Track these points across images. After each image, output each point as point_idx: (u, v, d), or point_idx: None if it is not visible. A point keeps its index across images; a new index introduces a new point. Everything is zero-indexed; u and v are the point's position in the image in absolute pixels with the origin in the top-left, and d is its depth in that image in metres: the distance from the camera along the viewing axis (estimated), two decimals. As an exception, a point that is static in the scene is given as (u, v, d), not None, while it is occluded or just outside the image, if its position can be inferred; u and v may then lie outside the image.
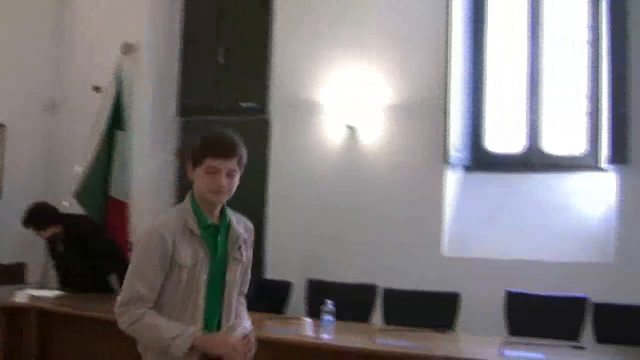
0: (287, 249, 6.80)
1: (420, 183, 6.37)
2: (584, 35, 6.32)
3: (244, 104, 7.35)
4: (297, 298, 5.96)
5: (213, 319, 3.00)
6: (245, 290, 3.23)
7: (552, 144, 6.37)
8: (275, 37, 7.09)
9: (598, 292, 5.20)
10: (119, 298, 2.90)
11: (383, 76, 6.54)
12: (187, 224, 2.93)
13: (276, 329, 4.86)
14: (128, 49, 7.43)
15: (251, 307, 4.72)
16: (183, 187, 7.51)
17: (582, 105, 6.30)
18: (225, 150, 2.91)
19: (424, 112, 6.40)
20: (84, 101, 7.61)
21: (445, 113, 6.29)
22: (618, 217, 5.86)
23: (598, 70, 6.19)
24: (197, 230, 2.93)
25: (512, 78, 6.56)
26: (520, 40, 6.52)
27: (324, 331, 4.62)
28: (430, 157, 6.34)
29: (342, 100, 6.60)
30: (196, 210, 2.96)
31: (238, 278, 3.09)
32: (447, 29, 6.34)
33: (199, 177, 2.93)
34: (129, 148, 7.39)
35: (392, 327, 5.15)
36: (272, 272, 6.75)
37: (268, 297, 5.92)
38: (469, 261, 6.11)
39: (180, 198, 3.24)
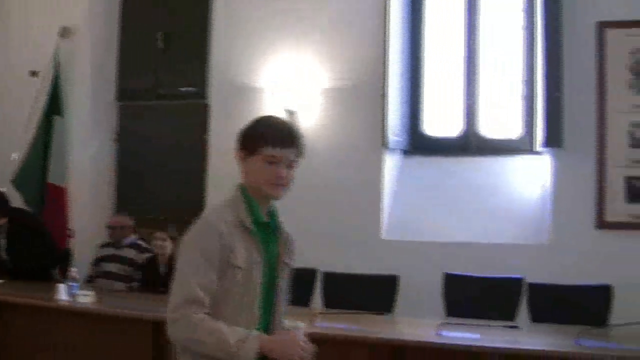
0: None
1: (359, 167, 6.42)
2: (520, 20, 6.44)
3: (183, 89, 7.31)
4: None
5: (264, 329, 2.64)
6: (288, 299, 2.85)
7: (489, 128, 6.49)
8: (214, 21, 7.06)
9: (533, 273, 5.34)
10: (171, 302, 2.52)
11: (322, 60, 6.57)
12: (240, 220, 2.59)
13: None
14: (66, 32, 7.33)
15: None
16: (122, 171, 7.50)
17: (518, 90, 6.42)
18: (288, 138, 2.63)
19: (362, 96, 6.45)
20: (21, 86, 7.49)
21: (383, 97, 6.34)
22: (552, 199, 6.00)
23: (533, 54, 6.32)
24: (251, 226, 2.60)
25: (449, 62, 6.64)
26: (457, 25, 6.61)
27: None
28: (368, 141, 6.39)
29: (282, 84, 6.62)
30: (250, 203, 2.64)
31: (286, 285, 2.79)
32: (385, 14, 6.37)
33: (255, 167, 2.61)
34: (66, 133, 7.30)
35: (332, 311, 5.21)
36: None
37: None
38: (407, 244, 6.19)
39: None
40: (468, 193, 6.29)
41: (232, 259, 2.54)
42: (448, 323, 4.65)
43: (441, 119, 6.66)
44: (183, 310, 2.48)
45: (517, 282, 5.22)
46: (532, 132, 6.29)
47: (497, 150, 6.39)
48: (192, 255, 2.54)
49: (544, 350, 4.17)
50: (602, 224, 5.89)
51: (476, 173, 6.33)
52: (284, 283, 2.75)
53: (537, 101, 6.22)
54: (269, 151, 2.58)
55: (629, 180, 5.88)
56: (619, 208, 5.88)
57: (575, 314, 4.90)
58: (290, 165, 2.64)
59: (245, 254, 2.57)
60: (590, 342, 4.13)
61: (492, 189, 6.25)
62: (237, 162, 2.66)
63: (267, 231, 2.68)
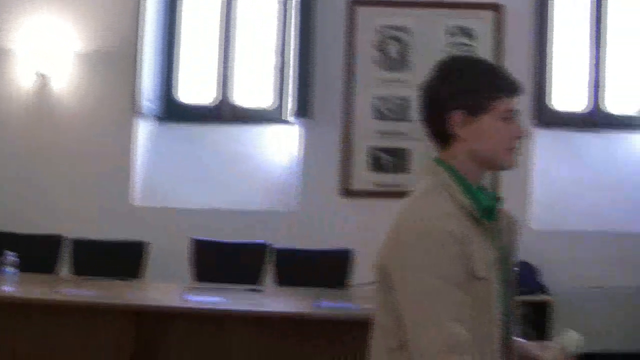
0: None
1: (112, 132, 6.30)
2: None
3: None
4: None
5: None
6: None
7: (242, 97, 6.58)
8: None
9: (283, 239, 5.53)
10: (424, 351, 1.78)
11: (75, 23, 6.36)
12: (465, 209, 1.91)
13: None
14: None
15: None
16: None
17: (271, 61, 6.57)
18: (517, 82, 2.01)
19: (115, 61, 6.31)
20: None
21: (136, 63, 6.26)
22: (300, 168, 6.23)
23: (286, 27, 6.49)
24: (480, 217, 1.93)
25: (205, 30, 6.65)
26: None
27: (6, 283, 4.50)
28: (121, 107, 6.27)
29: (33, 46, 6.35)
30: (465, 185, 1.95)
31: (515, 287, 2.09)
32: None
33: (487, 129, 1.95)
34: None
35: (78, 277, 5.14)
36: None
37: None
38: (159, 211, 6.18)
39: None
40: (221, 161, 6.37)
41: (473, 267, 1.85)
42: (194, 287, 4.73)
43: (196, 87, 6.66)
44: None
45: (262, 247, 5.39)
46: (283, 103, 6.47)
47: (250, 119, 6.51)
48: (428, 281, 1.79)
49: (283, 312, 4.38)
50: (347, 192, 6.20)
51: (229, 141, 6.42)
52: (516, 286, 2.06)
53: (289, 73, 6.40)
54: (504, 104, 1.95)
55: (373, 150, 6.22)
56: (363, 177, 6.22)
57: (318, 277, 5.15)
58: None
59: (482, 257, 1.88)
60: (327, 304, 4.39)
61: (244, 157, 6.37)
62: (446, 130, 1.97)
63: (493, 219, 1.99)
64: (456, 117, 1.93)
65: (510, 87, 1.96)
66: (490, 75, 1.97)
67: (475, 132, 1.93)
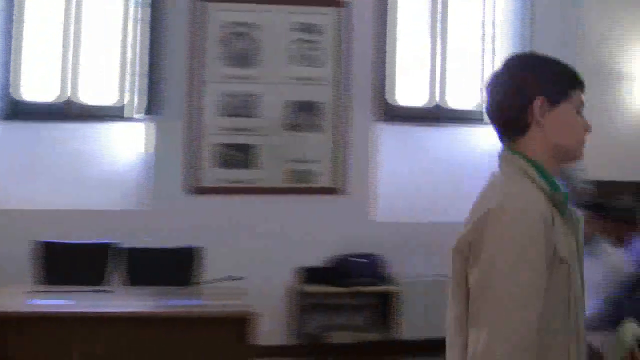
0: None
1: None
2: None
3: None
4: None
5: None
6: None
7: (87, 94, 6.46)
8: None
9: (132, 238, 5.48)
10: (488, 347, 1.74)
11: None
12: (548, 195, 1.89)
13: None
14: None
15: None
16: None
17: (116, 58, 6.49)
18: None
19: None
20: None
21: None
22: (149, 165, 6.20)
23: (131, 22, 6.43)
24: (563, 202, 1.93)
25: (49, 26, 6.47)
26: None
27: None
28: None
29: None
30: (545, 174, 1.93)
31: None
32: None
33: (565, 120, 1.96)
34: None
35: None
36: None
37: None
38: (1, 212, 5.99)
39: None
40: (67, 160, 6.23)
41: (559, 250, 1.84)
42: (37, 291, 4.62)
43: (40, 85, 6.47)
44: (525, 354, 1.73)
45: (107, 246, 5.30)
46: (127, 99, 6.40)
47: (95, 117, 6.40)
48: (515, 262, 1.77)
49: (132, 311, 4.37)
50: (196, 189, 6.22)
51: (75, 139, 6.29)
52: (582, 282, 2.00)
53: (135, 70, 6.35)
54: (579, 95, 1.98)
55: (219, 147, 6.27)
56: (210, 174, 6.27)
57: (169, 275, 5.15)
58: None
59: (565, 241, 1.88)
60: (176, 301, 4.41)
61: (89, 156, 6.27)
62: (525, 118, 1.95)
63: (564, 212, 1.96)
64: (538, 103, 1.93)
65: (582, 82, 1.99)
66: (568, 67, 1.99)
67: (555, 120, 1.94)
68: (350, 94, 6.46)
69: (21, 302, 4.33)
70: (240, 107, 6.34)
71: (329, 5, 6.48)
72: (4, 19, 6.36)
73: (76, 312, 4.21)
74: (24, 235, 5.45)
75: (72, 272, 5.10)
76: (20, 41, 6.42)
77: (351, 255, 6.15)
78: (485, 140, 6.74)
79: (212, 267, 5.23)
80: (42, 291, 4.64)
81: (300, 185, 6.36)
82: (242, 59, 6.37)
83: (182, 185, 6.20)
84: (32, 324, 4.13)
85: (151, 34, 6.25)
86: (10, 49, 6.39)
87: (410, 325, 6.08)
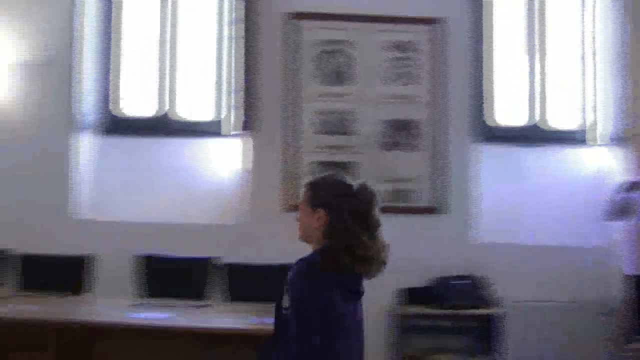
0: None
1: (51, 145, 6.15)
2: (215, 6, 6.56)
3: None
4: None
5: None
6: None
7: (185, 110, 6.50)
8: None
9: (229, 253, 5.44)
10: None
11: (8, 34, 6.21)
12: None
13: None
14: None
15: None
16: None
17: (213, 74, 6.51)
18: None
19: (53, 72, 6.19)
20: None
21: (74, 74, 6.17)
22: (245, 182, 6.16)
23: (227, 39, 6.47)
24: None
25: (146, 42, 6.56)
26: (153, 3, 6.55)
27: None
28: (60, 119, 6.16)
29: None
30: None
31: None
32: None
33: None
34: None
35: (22, 293, 5.00)
36: None
37: None
38: (101, 225, 6.04)
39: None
40: (164, 174, 6.27)
41: None
42: (140, 304, 4.61)
43: (138, 100, 6.54)
44: None
45: (207, 261, 5.28)
46: (226, 116, 6.40)
47: (193, 132, 6.42)
48: None
49: (235, 328, 4.28)
50: (293, 206, 6.13)
51: (172, 154, 6.33)
52: None
53: (232, 86, 6.35)
54: None
55: (316, 165, 6.19)
56: (307, 191, 6.16)
57: (269, 291, 5.05)
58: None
59: None
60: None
61: (187, 171, 6.29)
62: None
63: None
64: None
65: None
66: None
67: None
68: (447, 112, 6.31)
69: (122, 314, 4.30)
70: (336, 125, 6.26)
71: (423, 23, 6.36)
72: (104, 36, 6.45)
73: (177, 327, 4.16)
74: (125, 247, 5.49)
75: (173, 285, 5.09)
76: (119, 58, 6.51)
77: (452, 277, 5.97)
78: (587, 161, 6.53)
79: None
80: (142, 304, 4.62)
81: (399, 205, 6.22)
82: (337, 77, 6.29)
83: (280, 202, 6.12)
84: (134, 336, 4.10)
85: (246, 50, 6.24)
86: (109, 65, 6.49)
87: (515, 350, 5.86)
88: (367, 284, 5.81)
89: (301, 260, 2.75)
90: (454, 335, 5.94)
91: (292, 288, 2.66)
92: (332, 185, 2.87)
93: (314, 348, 2.63)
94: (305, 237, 2.85)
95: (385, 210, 6.02)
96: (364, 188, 2.83)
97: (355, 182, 2.86)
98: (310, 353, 2.63)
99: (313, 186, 2.88)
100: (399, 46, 6.35)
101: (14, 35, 6.22)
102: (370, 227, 2.80)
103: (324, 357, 2.66)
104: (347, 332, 2.76)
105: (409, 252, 6.05)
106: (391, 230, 6.03)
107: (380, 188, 6.07)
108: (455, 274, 5.99)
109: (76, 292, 5.07)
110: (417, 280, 6.04)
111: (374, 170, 6.22)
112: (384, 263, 2.83)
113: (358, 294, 2.90)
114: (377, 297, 5.90)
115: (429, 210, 6.22)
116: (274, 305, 2.85)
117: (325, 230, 2.79)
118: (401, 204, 6.22)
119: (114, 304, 4.74)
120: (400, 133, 6.30)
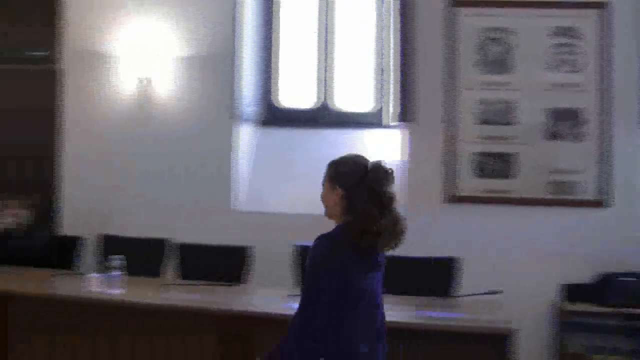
0: (82, 203, 6.53)
1: (213, 137, 6.34)
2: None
3: (30, 52, 6.94)
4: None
5: None
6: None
7: (343, 101, 6.54)
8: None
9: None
10: None
11: (175, 28, 6.44)
12: None
13: (64, 285, 4.80)
14: None
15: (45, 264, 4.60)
16: None
17: (371, 65, 6.50)
18: None
19: (215, 65, 6.37)
20: None
21: (235, 67, 6.31)
22: (404, 173, 6.10)
23: (385, 29, 6.46)
24: None
25: (304, 34, 6.64)
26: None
27: (111, 286, 4.55)
28: (221, 111, 6.32)
29: (135, 52, 6.43)
30: None
31: None
32: (238, -18, 6.33)
33: None
34: None
35: (183, 282, 5.16)
36: (68, 228, 6.45)
37: (61, 253, 5.84)
38: (260, 215, 6.16)
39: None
40: (321, 165, 6.28)
41: None
42: (297, 294, 4.65)
43: (296, 91, 6.65)
44: None
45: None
46: (384, 107, 6.40)
47: (351, 123, 6.44)
48: None
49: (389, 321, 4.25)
50: (451, 198, 6.05)
51: (330, 146, 6.34)
52: None
53: (390, 77, 6.32)
54: None
55: (477, 155, 6.06)
56: (466, 183, 6.06)
57: (423, 285, 5.01)
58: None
59: None
60: (430, 313, 4.27)
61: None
62: None
63: None
64: None
65: None
66: None
67: None
68: (613, 101, 6.01)
69: (278, 305, 4.37)
70: (497, 115, 6.09)
71: (589, 7, 6.07)
72: (264, 29, 6.58)
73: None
74: (282, 238, 5.56)
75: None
76: (279, 50, 6.62)
77: (619, 274, 5.69)
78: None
79: (468, 279, 5.05)
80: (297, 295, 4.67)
81: (563, 197, 6.00)
82: (498, 65, 6.11)
83: (440, 194, 6.04)
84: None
85: (404, 41, 6.16)
86: (269, 58, 6.61)
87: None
88: (525, 277, 5.69)
89: (322, 235, 2.97)
90: (621, 335, 5.66)
91: (310, 255, 2.93)
92: (349, 164, 3.06)
93: (320, 306, 2.86)
94: (329, 214, 3.07)
95: (547, 202, 5.91)
96: (378, 166, 2.99)
97: (370, 162, 3.03)
98: (315, 311, 2.87)
99: (334, 165, 3.07)
100: (562, 32, 6.09)
101: (179, 30, 6.43)
102: (385, 202, 2.96)
103: (329, 317, 2.87)
104: (364, 300, 2.98)
105: (573, 246, 5.85)
106: (554, 223, 5.90)
107: (542, 179, 5.96)
108: (621, 270, 5.71)
109: (235, 282, 5.19)
110: (581, 276, 5.80)
111: (536, 161, 6.03)
112: (401, 233, 3.02)
113: (378, 265, 3.09)
114: (537, 290, 5.78)
115: (595, 204, 5.96)
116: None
117: (344, 207, 2.98)
118: (565, 197, 5.99)
119: (271, 295, 4.83)
120: (564, 123, 6.06)
